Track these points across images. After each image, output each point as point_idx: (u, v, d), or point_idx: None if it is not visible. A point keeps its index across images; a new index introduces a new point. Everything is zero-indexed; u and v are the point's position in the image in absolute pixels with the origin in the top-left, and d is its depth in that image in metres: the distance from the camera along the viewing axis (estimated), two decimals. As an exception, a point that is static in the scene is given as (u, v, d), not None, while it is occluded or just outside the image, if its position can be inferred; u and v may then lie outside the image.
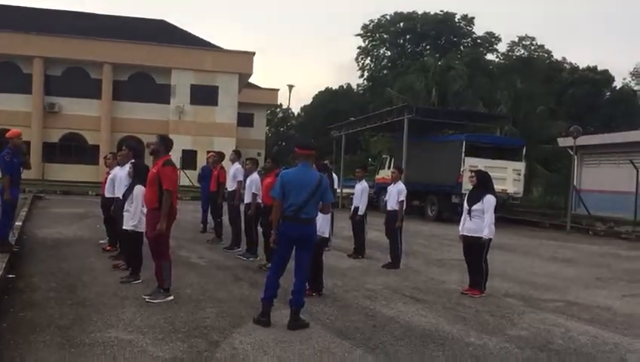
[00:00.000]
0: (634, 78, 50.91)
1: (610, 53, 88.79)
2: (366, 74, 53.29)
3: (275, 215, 6.06)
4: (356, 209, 11.18)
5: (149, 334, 5.42)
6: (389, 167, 23.82)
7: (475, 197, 8.09)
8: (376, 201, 23.01)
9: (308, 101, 66.87)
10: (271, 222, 9.12)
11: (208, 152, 13.60)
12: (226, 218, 11.75)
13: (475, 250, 8.05)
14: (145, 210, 7.58)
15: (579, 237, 18.76)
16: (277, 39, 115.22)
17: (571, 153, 22.24)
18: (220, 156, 12.34)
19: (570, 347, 5.80)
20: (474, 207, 8.00)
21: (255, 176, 10.27)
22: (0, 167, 8.99)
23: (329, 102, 57.20)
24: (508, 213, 22.28)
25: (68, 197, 24.18)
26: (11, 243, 9.49)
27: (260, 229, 9.87)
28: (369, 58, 52.91)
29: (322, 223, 7.28)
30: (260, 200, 9.90)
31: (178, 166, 10.44)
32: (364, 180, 11.50)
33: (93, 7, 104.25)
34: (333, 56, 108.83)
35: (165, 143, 7.00)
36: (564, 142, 26.14)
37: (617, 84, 48.13)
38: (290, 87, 47.50)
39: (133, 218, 7.71)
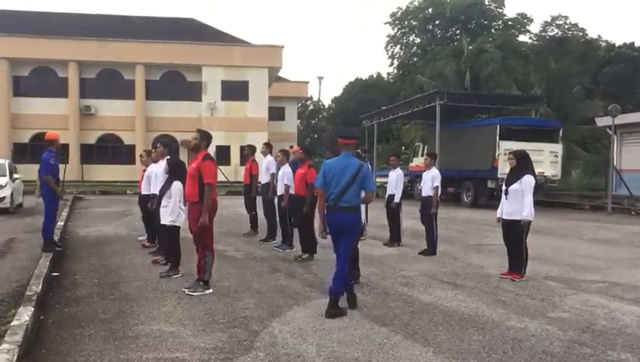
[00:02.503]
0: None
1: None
2: (396, 62, 52.96)
3: (320, 204, 6.15)
4: (391, 196, 11.12)
5: (189, 325, 5.51)
6: (422, 155, 23.64)
7: (513, 177, 7.96)
8: (410, 190, 22.89)
9: (338, 92, 66.80)
10: (305, 214, 9.27)
11: (291, 147, 13.82)
12: (261, 211, 11.86)
13: (514, 233, 7.92)
14: (182, 204, 7.72)
15: (620, 217, 18.33)
16: (304, 31, 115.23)
17: (610, 133, 21.73)
18: (252, 149, 12.39)
19: (615, 327, 5.68)
20: (511, 188, 7.87)
21: (287, 167, 10.30)
22: (45, 169, 9.25)
23: (360, 92, 56.93)
24: (546, 196, 21.93)
25: (107, 196, 24.70)
26: (56, 242, 9.76)
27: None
28: (398, 46, 52.56)
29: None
30: (292, 192, 9.95)
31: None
32: (398, 168, 11.44)
33: (119, 9, 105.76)
34: (362, 45, 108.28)
35: (206, 137, 7.10)
36: (602, 121, 25.55)
37: (656, 60, 46.65)
38: (320, 78, 47.40)
39: (172, 213, 7.83)
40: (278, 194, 10.41)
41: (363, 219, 7.59)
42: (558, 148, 21.27)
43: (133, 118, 33.88)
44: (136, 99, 34.04)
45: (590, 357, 4.80)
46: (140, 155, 11.72)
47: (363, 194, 6.22)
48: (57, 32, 32.78)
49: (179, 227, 7.90)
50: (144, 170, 10.47)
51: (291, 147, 35.83)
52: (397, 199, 10.99)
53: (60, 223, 12.39)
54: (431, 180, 10.20)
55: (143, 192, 10.18)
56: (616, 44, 46.40)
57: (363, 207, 7.56)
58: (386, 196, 11.36)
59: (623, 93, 37.84)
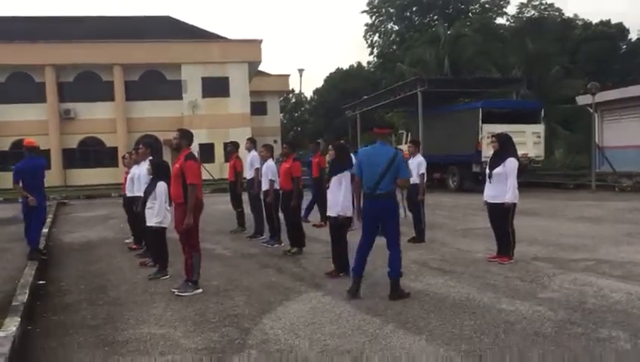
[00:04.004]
0: (649, 28, 49.75)
1: (623, 4, 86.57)
2: (375, 51, 52.81)
3: (356, 191, 6.55)
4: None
5: (180, 327, 5.46)
6: (406, 142, 23.66)
7: (497, 160, 7.97)
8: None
9: (320, 84, 66.63)
10: (292, 207, 9.26)
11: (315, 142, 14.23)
12: (247, 207, 11.79)
13: (500, 216, 7.95)
14: (167, 205, 7.65)
15: (605, 195, 18.49)
16: (282, 24, 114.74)
17: (591, 110, 21.88)
18: (235, 145, 12.32)
19: (604, 305, 5.72)
20: (495, 171, 7.89)
21: (270, 162, 10.25)
22: (36, 176, 9.14)
23: (341, 83, 56.83)
24: (531, 177, 22.02)
25: (91, 200, 24.43)
26: (41, 250, 9.62)
27: (281, 215, 9.87)
28: (377, 34, 52.38)
29: (344, 203, 7.27)
30: (277, 186, 9.90)
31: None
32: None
33: (95, 11, 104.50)
34: (342, 35, 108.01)
35: (187, 136, 7.03)
36: (582, 100, 25.71)
37: (632, 36, 47.07)
38: (301, 71, 47.18)
39: (158, 214, 7.74)
40: (263, 189, 10.35)
41: (351, 211, 7.58)
42: (540, 128, 21.36)
43: (114, 119, 33.50)
44: (116, 101, 33.64)
45: (581, 336, 4.83)
46: (123, 157, 11.61)
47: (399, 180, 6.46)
48: (30, 36, 32.23)
49: (165, 228, 7.82)
50: (127, 172, 10.37)
51: (275, 141, 35.67)
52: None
53: (45, 230, 12.22)
54: (417, 167, 10.17)
55: (128, 194, 10.08)
56: (593, 22, 46.72)
57: (349, 197, 7.51)
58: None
59: (601, 71, 38.05)
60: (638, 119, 23.84)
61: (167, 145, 27.74)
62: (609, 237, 9.89)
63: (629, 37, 46.60)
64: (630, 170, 22.01)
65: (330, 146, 8.34)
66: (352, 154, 8.49)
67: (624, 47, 45.61)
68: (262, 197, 10.65)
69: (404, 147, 23.28)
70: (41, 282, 7.61)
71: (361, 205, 6.45)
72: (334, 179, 7.39)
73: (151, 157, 8.86)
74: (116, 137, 33.40)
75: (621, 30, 45.71)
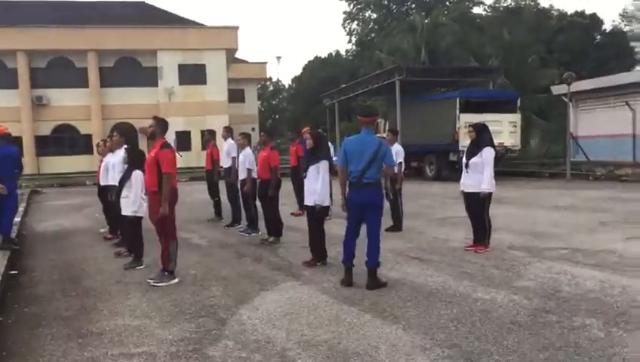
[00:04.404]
0: (623, 19, 50.41)
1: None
2: (354, 39, 52.76)
3: (341, 180, 6.43)
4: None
5: (156, 318, 5.39)
6: (384, 131, 23.67)
7: (473, 150, 8.01)
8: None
9: (298, 72, 66.39)
10: (270, 196, 9.20)
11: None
12: (224, 196, 11.70)
13: (476, 205, 8.00)
14: (143, 194, 7.53)
15: (579, 183, 18.76)
16: (260, 11, 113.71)
17: (566, 100, 22.12)
18: (212, 134, 12.20)
19: (578, 293, 5.79)
20: (472, 161, 7.93)
21: (248, 150, 10.15)
22: (17, 162, 8.97)
23: (319, 71, 56.66)
24: (506, 166, 22.24)
25: (65, 189, 24.06)
26: (12, 239, 9.42)
27: (258, 203, 9.81)
28: (355, 22, 52.32)
29: (322, 192, 7.24)
30: (255, 175, 9.83)
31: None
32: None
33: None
34: (320, 23, 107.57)
35: (161, 125, 6.90)
36: (557, 89, 25.99)
37: (607, 26, 47.65)
38: (278, 58, 47.10)
39: (133, 203, 7.63)
40: (240, 178, 10.27)
41: (328, 200, 7.57)
42: (516, 118, 21.51)
43: (89, 106, 32.94)
44: (90, 88, 33.08)
45: (556, 324, 4.88)
46: (97, 145, 11.42)
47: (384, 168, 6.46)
48: (1, 20, 31.47)
49: (141, 217, 7.71)
50: (101, 160, 10.20)
51: (253, 129, 35.38)
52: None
53: (17, 218, 11.98)
54: (394, 156, 10.15)
55: (102, 183, 9.92)
56: (568, 13, 47.16)
57: (327, 186, 7.51)
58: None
59: (576, 61, 38.44)
60: (611, 109, 24.18)
61: (143, 133, 27.37)
62: (583, 226, 10.03)
63: (603, 27, 47.18)
64: (604, 159, 22.35)
65: (308, 135, 8.22)
66: (330, 143, 8.48)
67: (598, 37, 46.15)
68: (239, 186, 10.57)
69: (383, 135, 23.33)
70: (12, 272, 7.46)
71: (347, 195, 6.40)
72: (312, 168, 7.35)
73: (126, 146, 8.71)
74: (90, 124, 32.90)
75: (595, 21, 46.22)
